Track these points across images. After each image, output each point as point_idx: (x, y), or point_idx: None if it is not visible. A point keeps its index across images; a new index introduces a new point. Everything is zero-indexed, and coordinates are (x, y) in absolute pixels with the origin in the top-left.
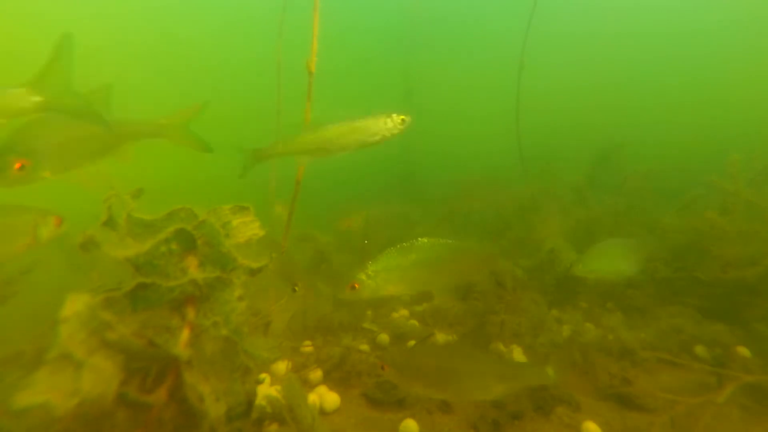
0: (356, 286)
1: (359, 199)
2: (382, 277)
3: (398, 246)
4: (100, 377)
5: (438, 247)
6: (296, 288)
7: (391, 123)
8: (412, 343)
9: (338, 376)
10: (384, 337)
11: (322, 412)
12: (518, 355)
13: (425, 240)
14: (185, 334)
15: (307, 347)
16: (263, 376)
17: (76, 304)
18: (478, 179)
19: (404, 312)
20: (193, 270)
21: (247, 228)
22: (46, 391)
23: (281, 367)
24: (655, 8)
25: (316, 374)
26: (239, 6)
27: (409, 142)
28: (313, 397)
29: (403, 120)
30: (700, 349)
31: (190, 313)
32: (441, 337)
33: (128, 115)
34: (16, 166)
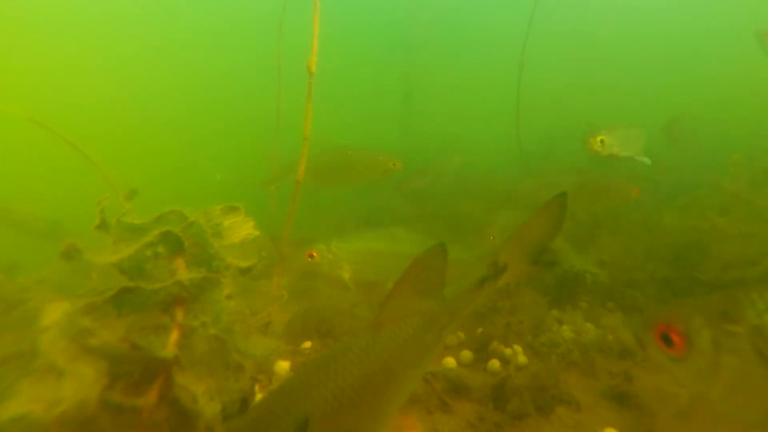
0: (314, 254)
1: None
2: (343, 254)
3: (371, 230)
4: (81, 383)
5: (411, 241)
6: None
7: None
8: None
9: None
10: None
11: None
12: (520, 355)
13: (400, 230)
14: (174, 336)
15: (307, 347)
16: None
17: (55, 313)
18: (479, 179)
19: None
20: (182, 272)
21: (240, 228)
22: (28, 402)
23: (283, 366)
24: (655, 9)
25: None
26: (239, 6)
27: (408, 144)
28: None
29: None
30: None
31: (179, 314)
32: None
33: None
34: None
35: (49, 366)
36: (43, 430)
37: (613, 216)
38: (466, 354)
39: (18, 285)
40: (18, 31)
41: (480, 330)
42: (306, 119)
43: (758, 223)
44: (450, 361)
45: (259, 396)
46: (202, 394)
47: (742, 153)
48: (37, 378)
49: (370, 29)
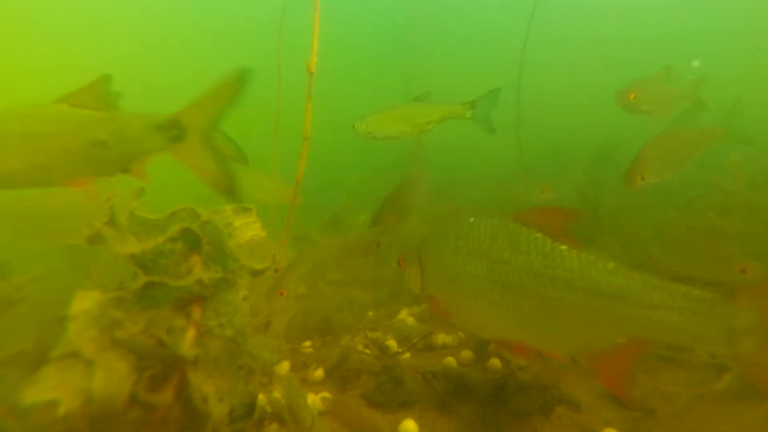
0: None
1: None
2: None
3: None
4: (113, 376)
5: None
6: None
7: None
8: (414, 340)
9: (338, 375)
10: (392, 343)
11: (321, 412)
12: None
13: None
14: (191, 334)
15: (307, 347)
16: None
17: (85, 302)
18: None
19: (404, 312)
20: (199, 270)
21: (248, 228)
22: (54, 388)
23: (284, 366)
24: (655, 9)
25: (316, 374)
26: (239, 6)
27: (407, 145)
28: (312, 397)
29: None
30: None
31: (196, 312)
32: (441, 338)
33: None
34: None
35: (75, 354)
36: (62, 422)
37: (613, 216)
38: (467, 354)
39: (12, 284)
40: (18, 31)
41: None
42: (306, 119)
43: (758, 223)
44: (450, 361)
45: (261, 397)
46: (212, 394)
47: (741, 152)
48: (63, 365)
49: (371, 30)
